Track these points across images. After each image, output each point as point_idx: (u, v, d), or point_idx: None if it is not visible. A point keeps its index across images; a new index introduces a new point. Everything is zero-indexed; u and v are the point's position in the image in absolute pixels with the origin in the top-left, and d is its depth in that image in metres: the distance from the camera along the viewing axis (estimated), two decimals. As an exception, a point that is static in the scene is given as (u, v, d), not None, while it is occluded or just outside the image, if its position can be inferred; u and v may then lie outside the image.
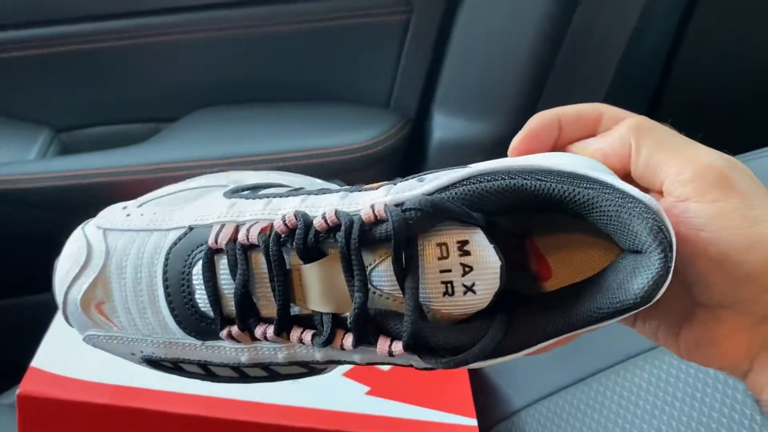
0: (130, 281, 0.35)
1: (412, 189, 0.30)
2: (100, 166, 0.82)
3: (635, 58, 0.83)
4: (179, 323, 0.34)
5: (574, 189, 0.28)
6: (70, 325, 0.39)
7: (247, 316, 0.32)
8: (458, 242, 0.29)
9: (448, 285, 0.29)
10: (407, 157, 0.90)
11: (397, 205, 0.29)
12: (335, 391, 0.59)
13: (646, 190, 0.31)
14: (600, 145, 0.32)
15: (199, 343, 0.35)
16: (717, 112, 0.93)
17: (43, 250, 0.84)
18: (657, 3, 0.81)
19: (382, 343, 0.30)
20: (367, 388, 0.60)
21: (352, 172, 0.84)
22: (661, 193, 0.31)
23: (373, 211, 0.29)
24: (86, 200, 0.81)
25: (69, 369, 0.56)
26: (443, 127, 0.87)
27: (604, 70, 0.82)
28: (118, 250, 0.36)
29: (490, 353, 0.29)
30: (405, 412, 0.59)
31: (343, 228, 0.30)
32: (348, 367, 0.61)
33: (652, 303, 0.28)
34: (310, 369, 0.35)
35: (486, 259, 0.29)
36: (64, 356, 0.57)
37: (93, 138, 0.92)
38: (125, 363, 0.57)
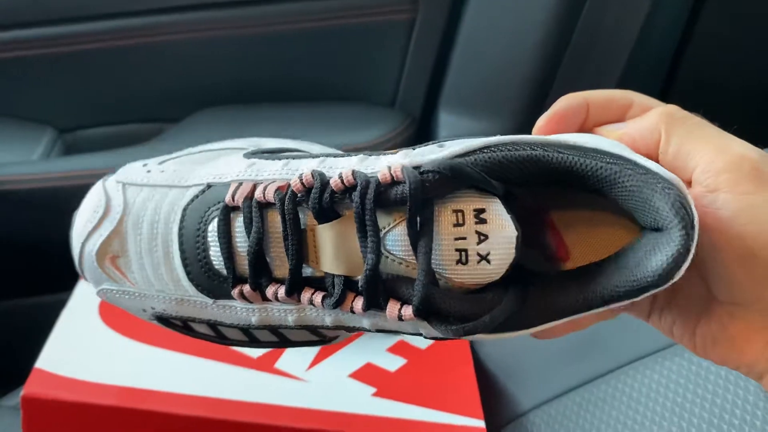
0: (146, 236, 0.35)
1: (431, 153, 0.29)
2: (103, 166, 0.81)
3: (643, 56, 0.83)
4: (192, 280, 0.34)
5: (596, 163, 0.28)
6: (85, 279, 0.38)
7: (260, 275, 0.32)
8: (475, 210, 0.29)
9: (463, 253, 0.29)
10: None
11: (415, 168, 0.29)
12: (341, 392, 0.59)
13: None
14: (629, 130, 0.32)
15: (210, 301, 0.34)
16: (726, 114, 0.93)
17: (47, 251, 0.84)
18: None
19: (392, 307, 0.30)
20: (374, 389, 0.60)
21: (357, 171, 0.84)
22: (689, 183, 0.30)
23: (390, 172, 0.29)
24: (90, 200, 0.81)
25: (73, 370, 0.56)
26: (449, 126, 0.87)
27: (612, 69, 0.82)
28: (136, 204, 0.36)
29: (500, 325, 0.28)
30: (411, 413, 0.59)
31: (358, 188, 0.29)
32: (354, 368, 0.61)
33: (670, 283, 0.27)
34: (319, 336, 0.35)
35: (502, 229, 0.28)
36: (69, 357, 0.57)
37: (96, 138, 0.91)
38: (131, 364, 0.57)
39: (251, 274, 0.32)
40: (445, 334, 0.29)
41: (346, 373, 0.61)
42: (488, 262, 0.29)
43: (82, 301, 0.63)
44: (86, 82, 0.89)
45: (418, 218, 0.29)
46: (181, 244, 0.34)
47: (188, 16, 0.86)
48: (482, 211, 0.29)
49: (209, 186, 0.35)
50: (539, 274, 0.31)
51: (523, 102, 0.83)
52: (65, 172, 0.81)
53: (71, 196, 0.80)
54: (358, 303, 0.30)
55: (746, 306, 0.30)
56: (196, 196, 0.35)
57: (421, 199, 0.28)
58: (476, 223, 0.29)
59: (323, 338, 0.35)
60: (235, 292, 0.33)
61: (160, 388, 0.56)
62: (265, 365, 0.60)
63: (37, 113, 0.90)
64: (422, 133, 0.90)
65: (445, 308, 0.29)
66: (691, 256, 0.27)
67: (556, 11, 0.77)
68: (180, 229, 0.34)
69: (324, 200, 0.30)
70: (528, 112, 0.84)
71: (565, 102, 0.33)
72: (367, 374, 0.61)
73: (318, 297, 0.31)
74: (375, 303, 0.30)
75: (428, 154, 0.29)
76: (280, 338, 0.36)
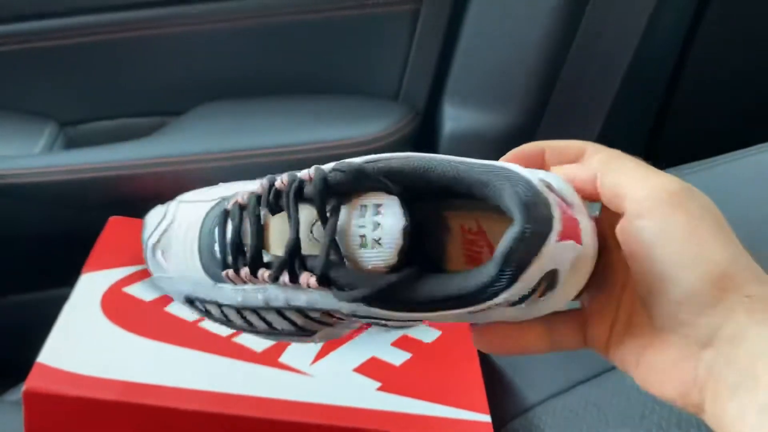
0: (182, 235, 0.47)
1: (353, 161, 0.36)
2: (105, 159, 0.81)
3: (650, 47, 0.82)
4: (203, 266, 0.44)
5: (469, 170, 0.33)
6: (149, 269, 0.51)
7: (236, 260, 0.41)
8: (375, 204, 0.36)
9: (363, 238, 0.36)
10: (417, 149, 0.89)
11: (333, 170, 0.36)
12: (346, 386, 0.58)
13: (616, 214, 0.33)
14: (571, 169, 0.35)
15: (212, 282, 0.43)
16: (731, 105, 0.92)
17: (49, 245, 0.84)
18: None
19: (304, 278, 0.37)
20: (378, 384, 0.59)
21: (361, 165, 0.83)
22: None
23: (309, 172, 0.37)
24: (92, 194, 0.81)
25: (76, 365, 0.56)
26: (454, 118, 0.86)
27: (619, 60, 0.81)
28: (181, 213, 0.49)
29: (378, 296, 0.34)
30: (417, 408, 0.58)
31: (289, 186, 0.38)
32: (359, 362, 0.61)
33: (515, 287, 0.31)
34: (296, 326, 0.42)
35: (394, 220, 0.35)
36: (71, 352, 0.57)
37: (99, 132, 0.91)
38: (133, 359, 0.57)
39: (231, 259, 0.41)
40: (340, 299, 0.36)
41: (351, 367, 0.60)
42: (381, 245, 0.35)
43: (85, 296, 0.63)
44: (88, 75, 0.89)
45: (329, 209, 0.36)
46: (199, 240, 0.45)
47: (190, 9, 0.86)
48: (380, 205, 0.36)
49: (222, 199, 0.46)
50: (442, 271, 0.36)
51: (528, 94, 0.83)
52: (67, 165, 0.81)
53: (73, 190, 0.81)
54: (285, 276, 0.37)
55: (674, 332, 0.31)
56: (212, 207, 0.46)
57: (326, 193, 0.36)
58: (374, 215, 0.36)
59: (302, 330, 0.42)
60: (224, 274, 0.42)
61: (162, 382, 0.56)
62: (269, 359, 0.60)
63: (39, 107, 0.90)
64: (426, 126, 0.90)
65: (342, 281, 0.35)
66: (538, 252, 0.30)
67: (561, 2, 0.77)
68: (200, 229, 0.45)
69: (270, 198, 0.39)
70: (534, 104, 0.83)
71: (521, 150, 0.38)
72: (371, 368, 0.61)
73: (266, 273, 0.39)
74: (295, 276, 0.37)
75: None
76: (267, 324, 0.43)
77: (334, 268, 0.35)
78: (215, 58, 0.90)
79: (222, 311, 0.44)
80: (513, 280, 0.31)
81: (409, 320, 0.37)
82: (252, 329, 0.44)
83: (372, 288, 0.34)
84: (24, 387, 0.54)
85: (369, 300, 0.34)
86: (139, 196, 0.80)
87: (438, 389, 0.60)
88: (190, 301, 0.47)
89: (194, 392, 0.56)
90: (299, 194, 0.37)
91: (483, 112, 0.85)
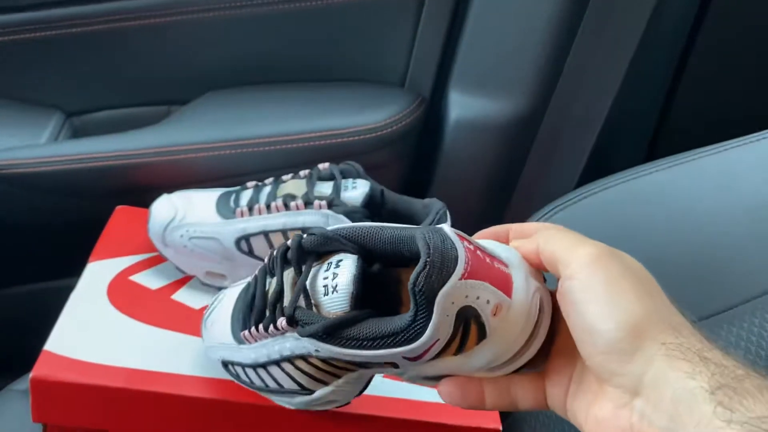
0: (223, 310, 0.54)
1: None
2: (111, 149, 0.81)
3: (657, 32, 0.81)
4: (232, 332, 0.52)
5: (405, 230, 0.41)
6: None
7: (250, 319, 0.49)
8: (337, 260, 0.43)
9: (326, 287, 0.42)
10: (423, 136, 0.89)
11: (309, 235, 0.44)
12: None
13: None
14: (518, 242, 0.41)
15: (237, 345, 0.52)
16: (740, 91, 0.91)
17: (56, 235, 0.84)
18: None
19: (279, 321, 0.44)
20: (385, 371, 0.59)
21: (367, 153, 0.83)
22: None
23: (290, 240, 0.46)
24: (98, 184, 0.81)
25: (82, 353, 0.56)
26: (460, 105, 0.86)
27: (625, 46, 0.80)
28: (228, 293, 0.56)
29: (325, 332, 0.41)
30: (423, 394, 0.58)
31: (277, 251, 0.47)
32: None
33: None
34: (300, 386, 0.48)
35: (347, 271, 0.42)
36: (78, 340, 0.57)
37: (104, 121, 0.91)
38: (139, 347, 0.57)
39: (248, 320, 0.49)
40: (300, 335, 0.43)
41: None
42: (337, 292, 0.42)
43: (91, 285, 0.63)
44: (93, 65, 0.89)
45: (303, 266, 0.44)
46: (233, 310, 0.53)
47: (195, -3, 0.86)
48: (340, 261, 0.43)
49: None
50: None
51: (534, 80, 0.82)
52: (73, 155, 0.81)
53: (79, 180, 0.81)
54: (271, 325, 0.46)
55: (609, 382, 0.35)
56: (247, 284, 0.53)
57: (302, 254, 0.44)
58: (335, 267, 0.43)
59: (304, 389, 0.48)
60: (241, 335, 0.50)
61: (168, 370, 0.56)
62: (275, 347, 0.60)
63: (44, 97, 0.90)
64: (433, 113, 0.89)
65: (304, 319, 0.43)
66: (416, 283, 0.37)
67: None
68: (235, 302, 0.53)
69: (269, 265, 0.48)
70: (540, 91, 0.83)
71: (490, 229, 0.44)
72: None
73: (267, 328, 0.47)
74: (275, 321, 0.45)
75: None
76: (276, 383, 0.49)
77: (300, 311, 0.43)
78: (220, 46, 0.89)
79: (245, 372, 0.51)
80: (429, 313, 0.37)
81: (367, 360, 0.42)
82: (267, 389, 0.50)
83: (322, 325, 0.41)
84: (31, 374, 0.54)
85: (319, 336, 0.42)
86: (145, 185, 0.80)
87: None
88: (225, 365, 0.53)
89: (200, 379, 0.56)
90: (284, 258, 0.46)
91: (489, 98, 0.84)
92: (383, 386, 0.58)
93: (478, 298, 0.37)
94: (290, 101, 0.89)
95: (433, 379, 0.43)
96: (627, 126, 0.92)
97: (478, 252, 0.39)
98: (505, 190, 0.89)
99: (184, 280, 0.65)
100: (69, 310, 0.60)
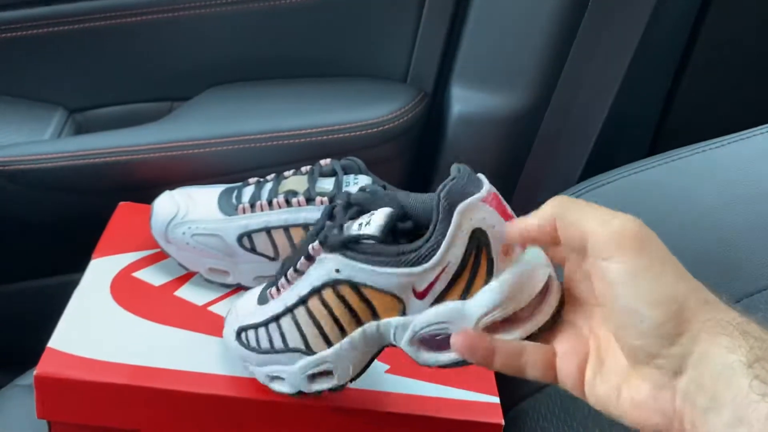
0: None
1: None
2: (113, 145, 0.81)
3: (659, 27, 0.81)
4: None
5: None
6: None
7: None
8: (374, 211, 0.47)
9: (360, 225, 0.46)
10: (425, 131, 0.89)
11: (360, 190, 0.51)
12: (355, 369, 0.59)
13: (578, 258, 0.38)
14: (534, 224, 0.39)
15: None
16: (744, 73, 0.91)
17: (59, 231, 0.84)
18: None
19: (311, 246, 0.48)
20: (387, 366, 0.59)
21: (369, 148, 0.83)
22: (585, 253, 0.37)
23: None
24: (100, 180, 0.81)
25: (86, 349, 0.56)
26: (462, 100, 0.85)
27: (628, 40, 0.80)
28: None
29: (347, 240, 0.45)
30: (425, 390, 0.58)
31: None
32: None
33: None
34: (305, 343, 0.50)
35: (382, 214, 0.46)
36: (81, 337, 0.57)
37: (107, 118, 0.91)
38: (142, 343, 0.57)
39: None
40: (326, 244, 0.46)
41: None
42: (369, 225, 0.45)
43: (95, 281, 0.63)
44: (96, 61, 0.89)
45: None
46: None
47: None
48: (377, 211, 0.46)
49: None
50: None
51: (536, 75, 0.82)
52: (76, 152, 0.81)
53: (82, 176, 0.81)
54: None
55: (648, 364, 0.34)
56: None
57: (346, 205, 0.48)
58: (371, 215, 0.46)
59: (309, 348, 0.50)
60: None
61: (171, 366, 0.56)
62: (278, 343, 0.60)
63: (47, 94, 0.90)
64: (435, 108, 0.89)
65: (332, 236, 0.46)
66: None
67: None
68: None
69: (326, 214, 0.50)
70: (542, 85, 0.82)
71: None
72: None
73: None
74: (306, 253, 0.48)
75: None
76: (282, 339, 0.51)
77: (329, 229, 0.47)
78: (222, 42, 0.89)
79: (256, 335, 0.52)
80: (446, 225, 0.40)
81: (380, 287, 0.44)
82: (273, 350, 0.51)
83: (347, 236, 0.45)
84: (35, 372, 0.54)
85: (342, 244, 0.45)
86: (147, 181, 0.80)
87: (446, 371, 0.59)
88: (239, 334, 0.54)
89: (203, 376, 0.56)
90: (330, 215, 0.48)
91: (491, 93, 0.84)
92: (385, 382, 0.58)
93: (493, 227, 0.40)
94: (292, 97, 0.88)
95: (431, 347, 0.44)
96: (630, 120, 0.91)
97: (504, 202, 0.41)
98: (508, 185, 0.89)
99: (187, 277, 0.65)
100: (72, 307, 0.60)
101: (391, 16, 0.87)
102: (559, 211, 0.38)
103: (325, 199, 0.60)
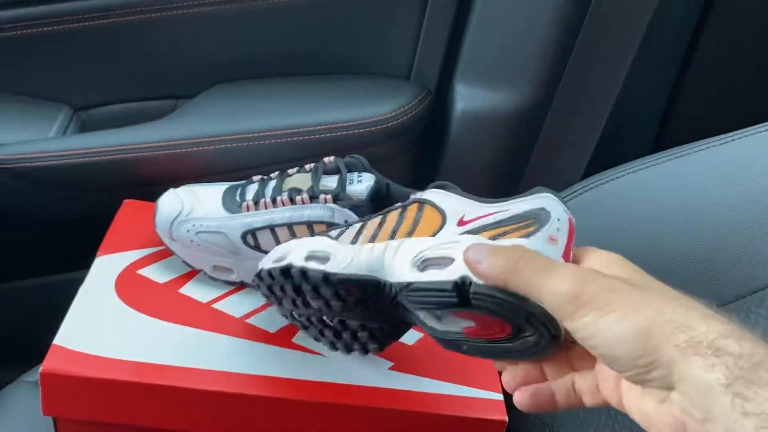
0: None
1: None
2: (119, 143, 0.81)
3: (663, 24, 0.81)
4: None
5: None
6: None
7: None
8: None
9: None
10: (429, 129, 0.89)
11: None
12: (358, 366, 0.59)
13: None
14: (485, 273, 0.41)
15: None
16: (744, 85, 0.91)
17: (64, 229, 0.84)
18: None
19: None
20: (391, 363, 0.60)
21: (372, 146, 0.83)
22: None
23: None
24: (105, 177, 0.81)
25: (91, 346, 0.56)
26: (465, 97, 0.85)
27: (632, 36, 0.80)
28: None
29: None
30: (429, 386, 0.58)
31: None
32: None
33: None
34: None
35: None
36: (86, 334, 0.57)
37: (112, 115, 0.91)
38: (147, 340, 0.57)
39: None
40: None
41: (363, 347, 0.61)
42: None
43: (99, 278, 0.64)
44: (101, 59, 0.89)
45: None
46: None
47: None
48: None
49: None
50: None
51: (540, 72, 0.82)
52: (81, 149, 0.81)
53: (87, 174, 0.81)
54: None
55: (646, 385, 0.36)
56: None
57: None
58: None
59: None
60: None
61: (176, 363, 0.56)
62: (283, 340, 0.60)
63: (52, 91, 0.90)
64: (438, 105, 0.89)
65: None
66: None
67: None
68: None
69: None
70: (545, 83, 0.82)
71: None
72: (384, 348, 0.61)
73: None
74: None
75: None
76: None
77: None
78: (227, 40, 0.89)
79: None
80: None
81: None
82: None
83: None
84: (41, 369, 0.55)
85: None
86: (152, 179, 0.80)
87: (450, 368, 0.60)
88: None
89: (208, 372, 0.56)
90: None
91: (494, 90, 0.84)
92: (389, 378, 0.58)
93: (557, 230, 0.44)
94: (296, 94, 0.89)
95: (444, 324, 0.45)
96: (634, 116, 0.91)
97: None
98: (511, 182, 0.89)
99: (191, 274, 0.66)
100: (78, 305, 0.60)
101: (394, 14, 0.87)
102: (511, 275, 0.40)
103: (329, 196, 0.60)
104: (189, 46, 0.89)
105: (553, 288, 0.38)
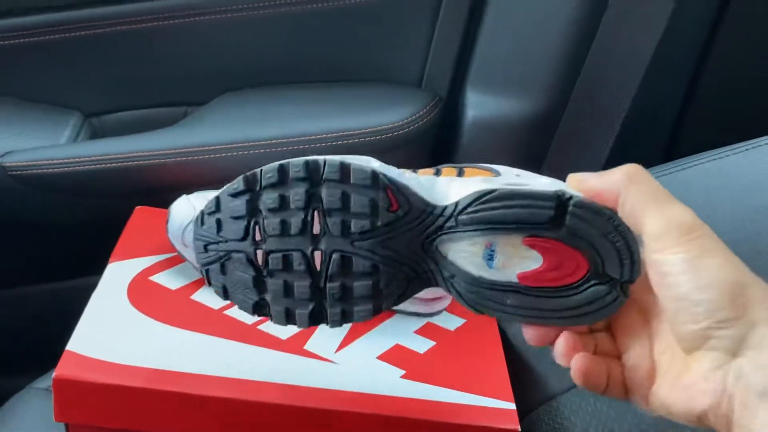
0: None
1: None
2: (130, 150, 0.82)
3: (677, 32, 0.81)
4: None
5: None
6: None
7: None
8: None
9: None
10: (440, 136, 0.89)
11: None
12: (370, 374, 0.59)
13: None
14: (594, 184, 0.39)
15: None
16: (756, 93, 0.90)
17: (77, 235, 0.85)
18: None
19: None
20: (403, 372, 0.59)
21: (384, 153, 0.83)
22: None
23: None
24: (117, 184, 0.81)
25: (104, 353, 0.56)
26: (477, 105, 0.85)
27: (645, 45, 0.80)
28: None
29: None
30: (441, 395, 0.58)
31: None
32: (383, 350, 0.61)
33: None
34: None
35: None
36: (99, 340, 0.57)
37: (123, 122, 0.92)
38: (160, 346, 0.57)
39: None
40: None
41: (375, 354, 0.61)
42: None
43: (112, 285, 0.64)
44: (112, 66, 0.89)
45: None
46: None
47: (212, -2, 0.86)
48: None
49: None
50: None
51: (552, 80, 0.82)
52: (92, 156, 0.81)
53: (99, 180, 0.81)
54: None
55: (701, 348, 0.35)
56: None
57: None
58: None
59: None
60: None
61: (188, 370, 0.56)
62: (294, 347, 0.60)
63: (64, 98, 0.90)
64: (450, 112, 0.89)
65: None
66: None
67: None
68: None
69: None
70: (558, 91, 0.82)
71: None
72: (395, 356, 0.61)
73: None
74: None
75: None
76: None
77: None
78: (238, 47, 0.90)
79: None
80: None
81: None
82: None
83: None
84: (54, 375, 0.54)
85: None
86: (163, 185, 0.81)
87: (462, 377, 0.60)
88: None
89: (219, 379, 0.56)
90: None
91: (506, 98, 0.84)
92: (400, 387, 0.58)
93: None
94: (307, 102, 0.89)
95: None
96: (647, 125, 0.91)
97: None
98: (523, 190, 0.88)
99: (203, 281, 0.65)
100: (90, 311, 0.60)
101: (405, 21, 0.87)
102: (624, 190, 0.38)
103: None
104: (200, 53, 0.89)
105: (670, 213, 0.36)
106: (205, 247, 0.45)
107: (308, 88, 0.91)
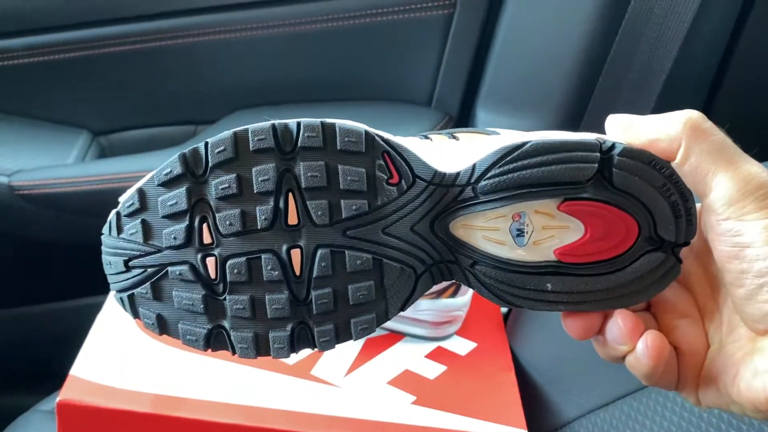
0: None
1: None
2: (138, 169, 0.81)
3: (692, 52, 0.80)
4: None
5: None
6: None
7: None
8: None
9: None
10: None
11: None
12: (380, 400, 0.57)
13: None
14: (653, 136, 0.32)
15: None
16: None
17: (83, 254, 0.84)
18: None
19: None
20: (413, 398, 0.58)
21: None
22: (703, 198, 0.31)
23: None
24: (125, 204, 0.81)
25: (108, 377, 0.56)
26: (487, 124, 0.85)
27: (659, 67, 0.79)
28: None
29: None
30: (452, 422, 0.57)
31: None
32: (392, 375, 0.60)
33: None
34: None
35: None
36: (104, 364, 0.57)
37: (131, 141, 0.92)
38: (165, 371, 0.57)
39: None
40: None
41: (385, 380, 0.59)
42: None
43: (116, 308, 0.63)
44: (120, 85, 0.89)
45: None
46: None
47: (222, 17, 0.86)
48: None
49: None
50: None
51: (565, 100, 0.81)
52: (100, 175, 0.81)
53: (106, 199, 0.80)
54: None
55: None
56: None
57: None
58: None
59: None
60: None
61: (194, 395, 0.55)
62: (302, 372, 0.59)
63: (72, 117, 0.90)
64: (459, 132, 0.89)
65: None
66: None
67: (601, 2, 0.75)
68: None
69: None
70: (571, 111, 0.81)
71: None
72: (405, 381, 0.59)
73: None
74: None
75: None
76: None
77: None
78: (247, 66, 0.90)
79: None
80: None
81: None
82: None
83: None
84: (58, 399, 0.54)
85: None
86: (171, 205, 0.80)
87: (474, 403, 0.58)
88: None
89: (226, 405, 0.55)
90: None
91: (517, 117, 0.83)
92: (411, 414, 0.57)
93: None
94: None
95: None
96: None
97: None
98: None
99: (210, 303, 0.65)
100: (95, 334, 0.60)
101: (416, 40, 0.87)
102: (687, 140, 0.31)
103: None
104: (209, 72, 0.89)
105: (746, 171, 0.30)
106: (126, 263, 0.33)
107: (318, 107, 0.91)
